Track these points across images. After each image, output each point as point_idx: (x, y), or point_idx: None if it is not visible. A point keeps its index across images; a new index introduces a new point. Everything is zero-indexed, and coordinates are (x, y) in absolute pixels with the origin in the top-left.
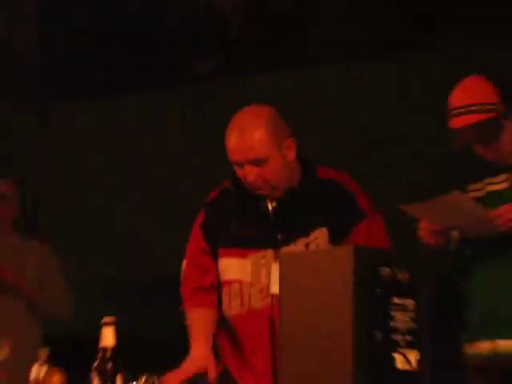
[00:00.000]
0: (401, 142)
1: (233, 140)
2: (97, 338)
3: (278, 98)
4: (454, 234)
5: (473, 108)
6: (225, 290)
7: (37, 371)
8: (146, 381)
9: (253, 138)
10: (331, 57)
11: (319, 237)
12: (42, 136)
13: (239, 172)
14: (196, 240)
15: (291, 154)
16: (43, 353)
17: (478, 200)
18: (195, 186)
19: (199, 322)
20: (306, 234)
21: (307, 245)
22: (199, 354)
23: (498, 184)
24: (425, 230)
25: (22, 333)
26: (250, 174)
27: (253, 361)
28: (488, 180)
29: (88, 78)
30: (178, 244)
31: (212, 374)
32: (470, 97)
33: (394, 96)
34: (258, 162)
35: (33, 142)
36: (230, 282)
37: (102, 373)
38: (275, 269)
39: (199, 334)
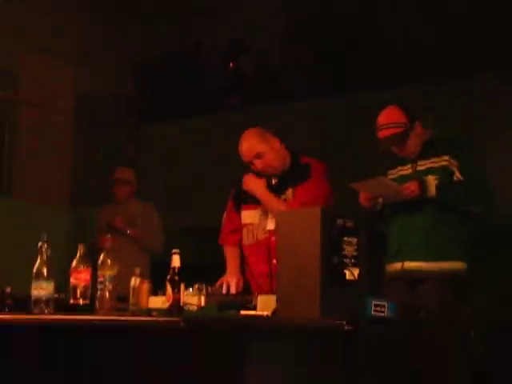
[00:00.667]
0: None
1: (241, 150)
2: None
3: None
4: (379, 200)
5: (390, 125)
6: (244, 229)
7: (133, 281)
8: (198, 287)
9: (250, 143)
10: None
11: (288, 194)
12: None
13: (252, 168)
14: (229, 203)
15: (276, 146)
16: (137, 271)
17: (393, 180)
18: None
19: (232, 255)
20: (284, 192)
21: (284, 200)
22: (233, 273)
23: (406, 170)
24: (362, 198)
25: (130, 258)
26: (258, 164)
27: (255, 270)
28: (399, 168)
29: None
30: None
31: (240, 284)
32: (388, 118)
33: None
34: (258, 156)
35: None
36: (247, 225)
37: (171, 282)
38: (270, 216)
39: (233, 263)
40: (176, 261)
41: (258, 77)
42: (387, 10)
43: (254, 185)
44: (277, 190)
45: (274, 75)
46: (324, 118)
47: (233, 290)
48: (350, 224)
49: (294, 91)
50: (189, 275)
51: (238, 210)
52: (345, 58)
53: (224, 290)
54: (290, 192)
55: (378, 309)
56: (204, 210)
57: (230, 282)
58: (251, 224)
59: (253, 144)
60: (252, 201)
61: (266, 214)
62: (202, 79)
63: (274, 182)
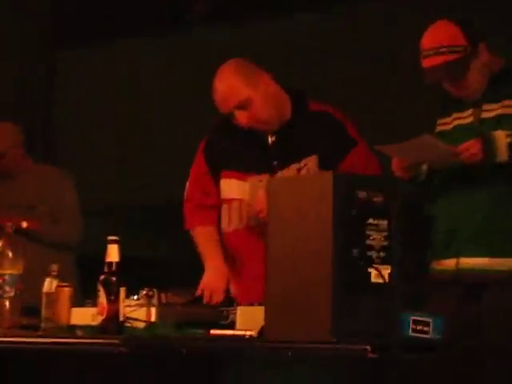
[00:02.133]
0: None
1: (216, 96)
2: (102, 256)
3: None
4: (423, 166)
5: (442, 50)
6: (225, 206)
7: (48, 285)
8: (146, 294)
9: (229, 88)
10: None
11: (309, 163)
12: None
13: (234, 121)
14: (199, 163)
15: (271, 88)
16: (54, 268)
17: (445, 133)
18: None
19: (209, 242)
20: (298, 160)
21: (299, 170)
22: (217, 271)
23: (464, 118)
24: (396, 166)
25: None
26: (241, 118)
27: (246, 270)
28: (455, 115)
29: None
30: (181, 170)
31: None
32: (439, 39)
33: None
34: (242, 106)
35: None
36: (230, 200)
37: (107, 285)
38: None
39: (213, 251)
40: (113, 253)
41: None
42: None
43: None
44: (278, 154)
45: None
46: (333, 38)
47: (218, 299)
48: (377, 199)
49: None
50: (133, 275)
51: (215, 177)
52: None
53: (206, 300)
54: (312, 160)
55: (420, 327)
56: (155, 181)
57: (215, 288)
58: (237, 200)
59: (233, 88)
60: (239, 164)
61: (261, 186)
62: None
63: (270, 140)
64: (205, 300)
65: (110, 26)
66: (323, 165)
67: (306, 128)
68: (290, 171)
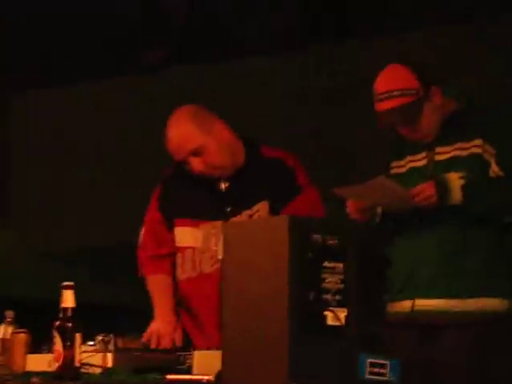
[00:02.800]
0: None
1: (170, 144)
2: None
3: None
4: (378, 209)
5: (395, 93)
6: (179, 255)
7: (3, 331)
8: (103, 339)
9: (183, 135)
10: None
11: (260, 209)
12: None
13: (187, 168)
14: (153, 211)
15: (224, 135)
16: (10, 314)
17: (400, 175)
18: (147, 165)
19: (160, 287)
20: (250, 207)
21: (250, 216)
22: (166, 319)
23: (418, 161)
24: (352, 208)
25: None
26: (195, 165)
27: (202, 318)
28: (409, 158)
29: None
30: (136, 213)
31: (179, 337)
32: (392, 83)
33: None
34: (196, 153)
35: None
36: (183, 249)
37: (62, 331)
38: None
39: (162, 299)
40: (68, 299)
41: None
42: None
43: None
44: (231, 200)
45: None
46: (291, 80)
47: (166, 344)
48: (332, 242)
49: (245, 42)
50: (90, 320)
51: (170, 225)
52: None
53: (153, 345)
54: (263, 206)
55: (377, 370)
56: (110, 222)
57: (162, 334)
58: (191, 248)
59: (187, 135)
60: (193, 212)
61: (215, 233)
62: (107, 25)
63: (223, 186)
64: (152, 346)
65: (70, 66)
66: (274, 211)
67: (258, 174)
68: (242, 217)
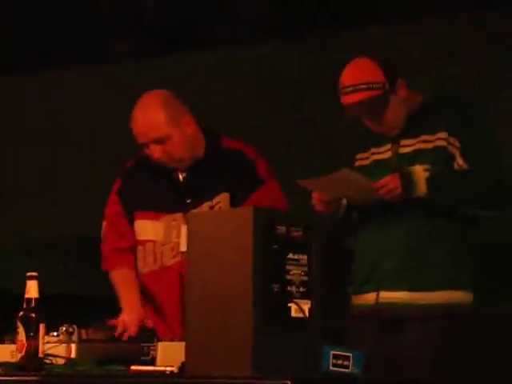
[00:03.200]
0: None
1: (135, 125)
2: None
3: (188, 78)
4: (343, 201)
5: (361, 86)
6: (139, 248)
7: None
8: (66, 330)
9: (151, 121)
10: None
11: (222, 201)
12: None
13: (146, 151)
14: (113, 204)
15: (190, 129)
16: None
17: (364, 167)
18: (111, 157)
19: (125, 281)
20: (211, 198)
21: (211, 208)
22: (132, 308)
23: (383, 153)
24: (317, 200)
25: None
26: (154, 152)
27: (165, 310)
28: (373, 149)
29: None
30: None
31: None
32: (358, 76)
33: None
34: (159, 141)
35: None
36: (144, 242)
37: (26, 322)
38: (184, 230)
39: (128, 293)
40: (32, 289)
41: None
42: None
43: None
44: (191, 192)
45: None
46: (256, 71)
47: (131, 332)
48: (297, 233)
49: (215, 31)
50: (53, 311)
51: (130, 218)
52: None
53: (118, 334)
54: (224, 198)
55: (340, 362)
56: (73, 216)
57: (129, 322)
58: (152, 241)
59: (155, 122)
60: (153, 204)
61: (176, 225)
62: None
63: (181, 177)
64: (116, 333)
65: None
66: (234, 203)
67: (218, 166)
68: (203, 209)
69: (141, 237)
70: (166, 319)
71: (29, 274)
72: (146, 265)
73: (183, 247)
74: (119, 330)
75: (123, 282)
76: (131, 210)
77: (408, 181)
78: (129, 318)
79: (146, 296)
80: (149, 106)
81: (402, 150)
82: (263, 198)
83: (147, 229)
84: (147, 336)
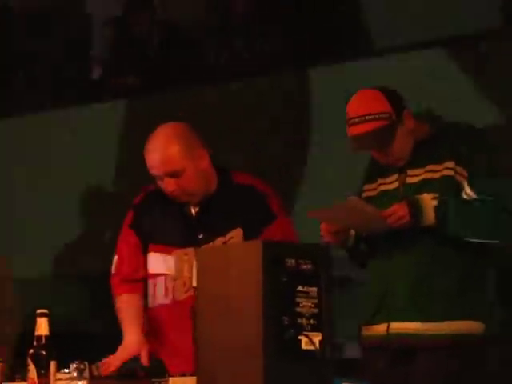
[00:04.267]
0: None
1: (149, 158)
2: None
3: (199, 112)
4: (351, 231)
5: (368, 117)
6: (151, 281)
7: None
8: (77, 367)
9: (167, 154)
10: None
11: (235, 236)
12: None
13: (160, 184)
14: (127, 237)
15: (204, 164)
16: None
17: (371, 199)
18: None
19: (130, 308)
20: (224, 233)
21: (224, 243)
22: (133, 340)
23: (390, 184)
24: (325, 231)
25: None
26: (168, 185)
27: (176, 345)
28: (380, 180)
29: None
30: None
31: (145, 359)
32: (365, 107)
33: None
34: (174, 174)
35: None
36: (155, 276)
37: (36, 359)
38: (196, 264)
39: (131, 319)
40: (42, 327)
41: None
42: None
43: None
44: (203, 227)
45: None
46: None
47: (144, 361)
48: (306, 266)
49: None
50: (64, 349)
51: (144, 251)
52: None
53: (104, 371)
54: (237, 233)
55: None
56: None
57: (109, 362)
58: (163, 275)
59: (171, 155)
60: (164, 238)
61: (187, 260)
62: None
63: (194, 211)
64: (102, 372)
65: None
66: (247, 238)
67: (230, 201)
68: (215, 244)
69: (152, 270)
70: (177, 353)
71: (39, 311)
72: (156, 299)
73: (195, 282)
74: (103, 370)
75: (128, 309)
76: (146, 242)
77: (416, 208)
78: (117, 353)
79: (155, 331)
80: (165, 138)
81: (410, 180)
82: (275, 233)
83: (159, 262)
84: (155, 367)
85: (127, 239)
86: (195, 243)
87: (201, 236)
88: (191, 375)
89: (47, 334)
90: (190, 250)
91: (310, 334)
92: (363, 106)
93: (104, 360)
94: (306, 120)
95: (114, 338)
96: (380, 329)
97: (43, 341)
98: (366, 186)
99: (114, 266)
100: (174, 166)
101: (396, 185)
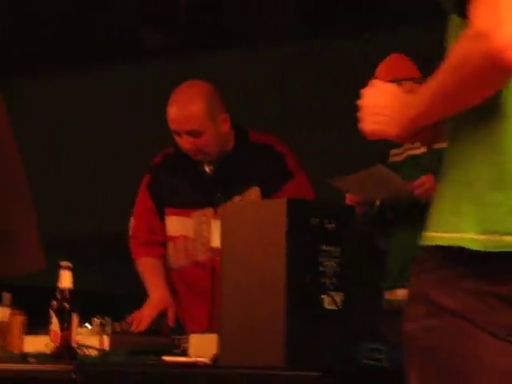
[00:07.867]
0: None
1: (172, 111)
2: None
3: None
4: (376, 201)
5: (400, 81)
6: (170, 244)
7: (0, 313)
8: (100, 322)
9: (190, 111)
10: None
11: (252, 194)
12: None
13: (177, 139)
14: (143, 199)
15: (225, 128)
16: (7, 297)
17: (397, 164)
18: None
19: (153, 269)
20: (241, 192)
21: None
22: (160, 295)
23: (417, 149)
24: (350, 201)
25: None
26: (185, 142)
27: (194, 304)
28: (407, 145)
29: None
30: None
31: (172, 319)
32: (394, 71)
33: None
34: (193, 133)
35: None
36: (175, 238)
37: (59, 312)
38: (214, 225)
39: (154, 277)
40: (66, 279)
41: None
42: None
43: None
44: (220, 186)
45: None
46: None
47: (170, 322)
48: (330, 226)
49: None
50: (87, 304)
51: (160, 214)
52: None
53: (133, 328)
54: (254, 192)
55: (374, 356)
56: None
57: (142, 317)
58: (183, 237)
59: (194, 113)
60: (182, 201)
61: (206, 220)
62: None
63: (208, 169)
64: (133, 328)
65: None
66: (264, 197)
67: (246, 159)
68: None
69: (171, 233)
70: (194, 313)
71: (62, 263)
72: (177, 260)
73: (213, 243)
74: (133, 327)
75: (151, 269)
76: (162, 206)
77: None
78: (145, 308)
79: (176, 291)
80: (192, 95)
81: (437, 145)
82: (293, 191)
83: (177, 225)
84: (173, 328)
85: (144, 201)
86: (213, 203)
87: (218, 195)
88: (207, 333)
89: (71, 287)
90: (209, 211)
91: (333, 293)
92: (392, 70)
93: (132, 316)
94: None
95: (136, 295)
96: (401, 294)
97: (66, 294)
98: (393, 151)
99: (131, 228)
100: (196, 126)
101: (423, 149)
